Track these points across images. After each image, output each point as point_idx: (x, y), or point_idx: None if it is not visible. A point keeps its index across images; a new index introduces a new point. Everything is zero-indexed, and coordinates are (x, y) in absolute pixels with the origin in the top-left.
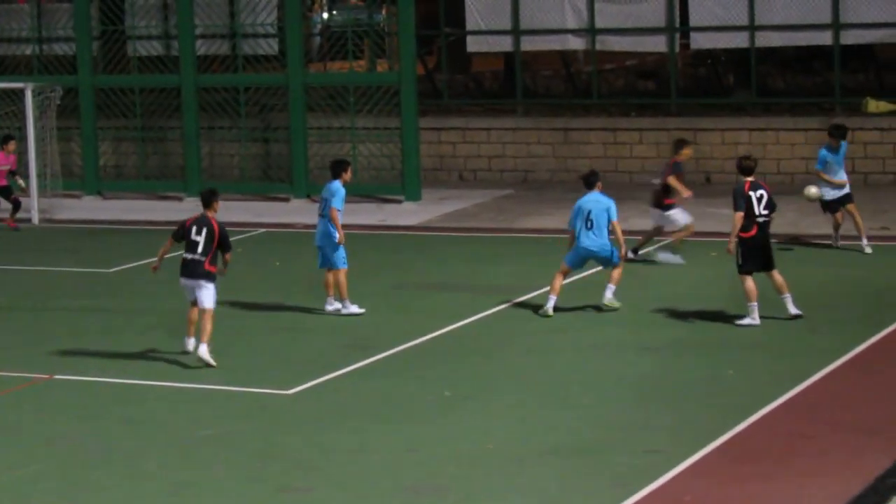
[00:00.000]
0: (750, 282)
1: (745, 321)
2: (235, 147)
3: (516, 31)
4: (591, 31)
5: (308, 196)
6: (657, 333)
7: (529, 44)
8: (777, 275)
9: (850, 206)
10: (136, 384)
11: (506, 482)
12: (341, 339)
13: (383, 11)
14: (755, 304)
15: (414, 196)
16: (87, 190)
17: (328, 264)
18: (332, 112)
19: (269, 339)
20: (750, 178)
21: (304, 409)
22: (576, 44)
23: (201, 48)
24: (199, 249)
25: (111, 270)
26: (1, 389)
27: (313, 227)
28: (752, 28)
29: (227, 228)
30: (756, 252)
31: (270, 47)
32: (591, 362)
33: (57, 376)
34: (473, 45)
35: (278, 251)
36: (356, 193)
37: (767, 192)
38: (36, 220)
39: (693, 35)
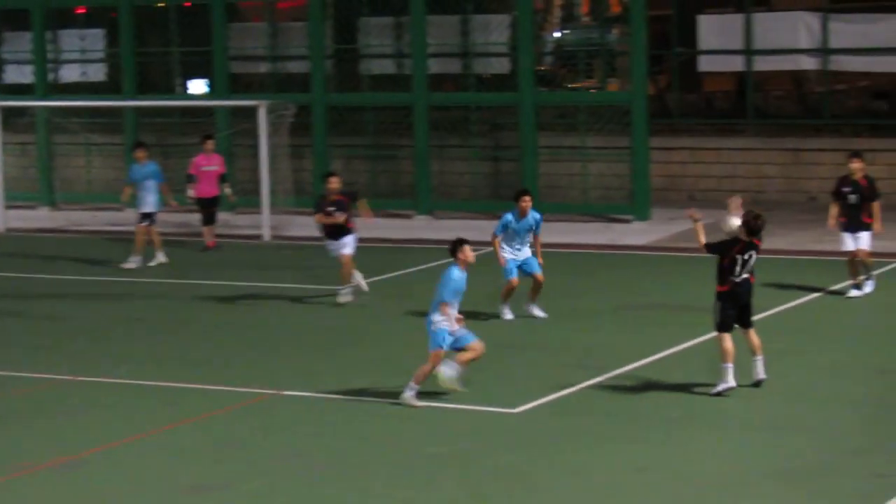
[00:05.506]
0: None
1: None
2: (465, 165)
3: (748, 51)
4: (824, 52)
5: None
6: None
7: (762, 64)
8: None
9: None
10: (363, 401)
11: None
12: (566, 358)
13: (615, 31)
14: None
15: (643, 215)
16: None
17: None
18: (562, 131)
19: (496, 358)
20: None
21: (530, 428)
22: (808, 64)
23: (433, 67)
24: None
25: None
26: (229, 404)
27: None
28: None
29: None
30: None
31: (502, 66)
32: (823, 384)
33: (285, 392)
34: (705, 64)
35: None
36: (585, 212)
37: None
38: (267, 236)
39: None
